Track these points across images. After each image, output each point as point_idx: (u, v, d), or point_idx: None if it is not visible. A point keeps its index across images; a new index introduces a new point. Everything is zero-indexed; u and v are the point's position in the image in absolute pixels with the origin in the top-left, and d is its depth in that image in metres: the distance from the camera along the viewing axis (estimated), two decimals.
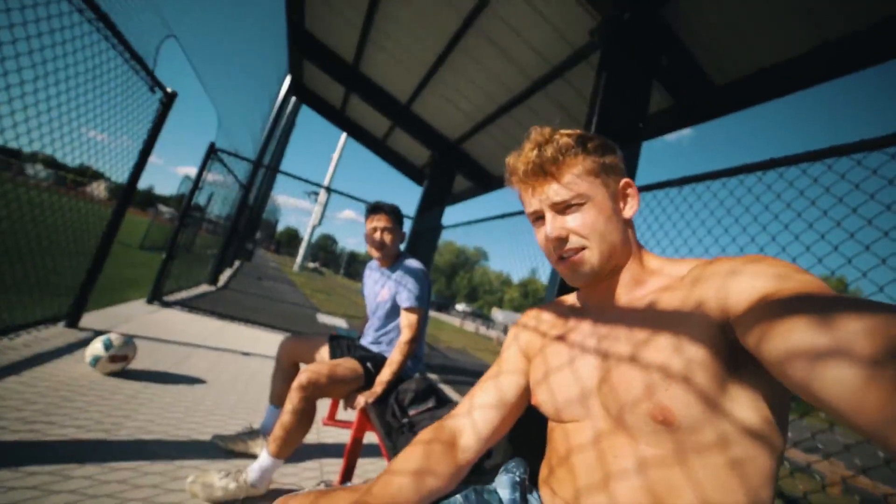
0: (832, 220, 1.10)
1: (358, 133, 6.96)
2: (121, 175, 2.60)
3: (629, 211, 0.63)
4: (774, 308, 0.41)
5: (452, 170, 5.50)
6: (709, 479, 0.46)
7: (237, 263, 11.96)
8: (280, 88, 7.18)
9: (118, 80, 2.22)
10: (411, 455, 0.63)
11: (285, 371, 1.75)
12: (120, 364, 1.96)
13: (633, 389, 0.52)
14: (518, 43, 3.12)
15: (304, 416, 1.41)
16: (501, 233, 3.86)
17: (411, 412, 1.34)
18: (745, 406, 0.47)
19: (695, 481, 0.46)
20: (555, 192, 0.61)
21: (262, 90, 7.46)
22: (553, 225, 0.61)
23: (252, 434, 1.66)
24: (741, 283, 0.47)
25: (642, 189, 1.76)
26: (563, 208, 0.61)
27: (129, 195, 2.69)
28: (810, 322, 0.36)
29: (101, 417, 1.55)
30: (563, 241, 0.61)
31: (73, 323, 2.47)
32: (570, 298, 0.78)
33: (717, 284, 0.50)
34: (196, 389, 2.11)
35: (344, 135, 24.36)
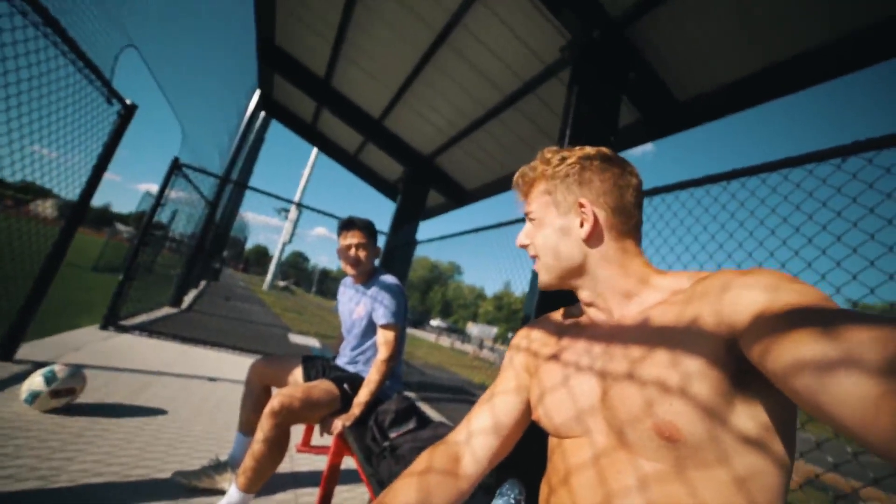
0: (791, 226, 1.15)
1: (329, 148, 6.88)
2: (72, 192, 2.42)
3: (584, 231, 0.62)
4: (775, 320, 0.40)
5: (426, 184, 5.51)
6: (714, 496, 0.45)
7: (203, 284, 11.40)
8: (249, 103, 7.03)
9: (69, 91, 2.08)
10: (406, 488, 0.60)
11: (256, 396, 1.64)
12: (64, 399, 1.75)
13: (635, 405, 0.51)
14: (490, 59, 3.19)
15: (277, 445, 1.31)
16: (475, 247, 3.88)
17: (392, 434, 1.27)
18: (751, 421, 0.45)
19: (700, 498, 0.45)
20: (525, 206, 0.71)
21: (229, 104, 7.28)
22: (520, 233, 0.71)
23: (219, 467, 1.53)
24: (739, 297, 0.46)
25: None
26: (530, 220, 0.69)
27: (80, 213, 2.50)
28: (814, 333, 0.35)
29: (37, 463, 1.35)
30: (525, 246, 0.70)
31: (6, 355, 2.18)
32: (561, 313, 0.77)
33: (713, 298, 0.49)
34: (156, 421, 1.93)
35: (315, 150, 24.11)
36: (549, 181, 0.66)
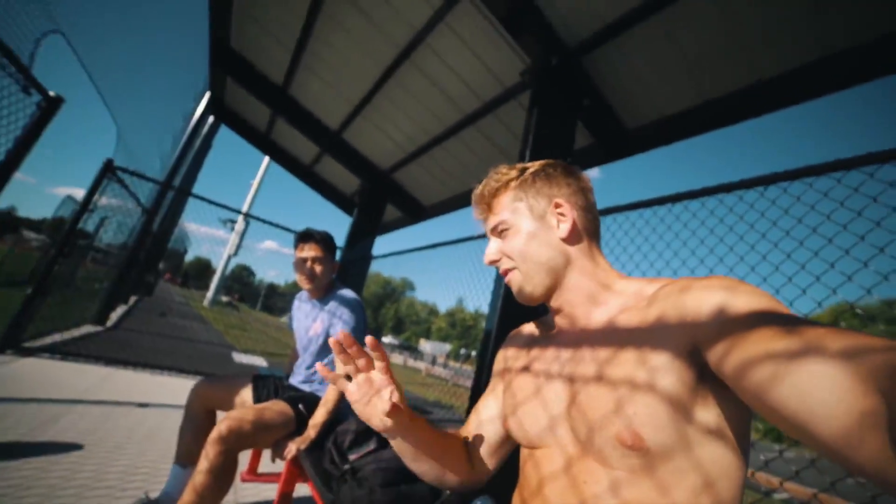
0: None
1: (283, 158, 6.62)
2: None
3: (563, 230, 0.63)
4: (734, 324, 0.42)
5: (383, 199, 5.46)
6: (683, 501, 0.45)
7: (134, 299, 10.34)
8: (197, 106, 6.62)
9: None
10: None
11: (198, 422, 1.48)
12: None
13: (599, 414, 0.52)
14: (452, 78, 3.27)
15: (224, 474, 1.19)
16: (428, 263, 3.90)
17: (352, 456, 1.20)
18: (713, 426, 0.47)
19: (670, 503, 0.46)
20: (490, 220, 0.69)
21: (175, 106, 6.81)
22: (488, 249, 0.68)
23: None
24: (699, 305, 0.47)
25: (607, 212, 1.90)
26: (499, 233, 0.67)
27: None
28: (771, 334, 0.37)
29: None
30: (496, 261, 0.67)
31: None
32: (531, 326, 0.78)
33: (674, 308, 0.50)
34: (68, 459, 1.66)
35: (266, 159, 23.13)
36: (516, 190, 0.66)
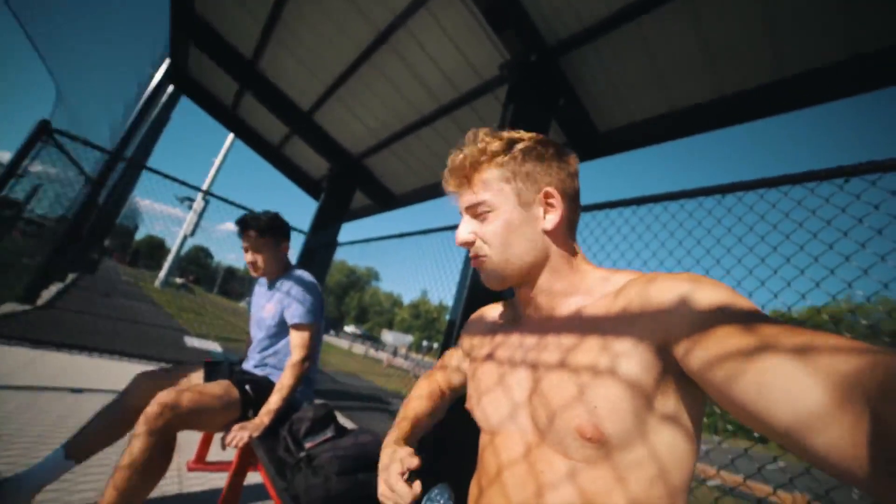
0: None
1: (249, 136, 6.30)
2: None
3: (549, 222, 0.59)
4: (701, 320, 0.42)
5: (352, 185, 5.34)
6: (638, 490, 0.46)
7: (72, 277, 9.53)
8: (155, 73, 6.15)
9: None
10: (422, 384, 0.89)
11: (124, 415, 1.28)
12: None
13: (560, 404, 0.52)
14: (430, 66, 3.22)
15: (157, 459, 1.09)
16: (395, 253, 3.85)
17: (307, 444, 1.16)
18: (671, 419, 0.47)
19: (625, 493, 0.47)
20: (467, 196, 0.61)
21: (128, 70, 6.27)
22: (461, 229, 0.62)
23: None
24: (665, 301, 0.47)
25: (590, 208, 1.92)
26: (476, 213, 0.61)
27: None
28: (737, 328, 0.38)
29: None
30: (470, 244, 0.61)
31: None
32: (498, 308, 0.77)
33: (641, 302, 0.50)
34: None
35: (231, 136, 21.95)
36: (503, 168, 0.59)
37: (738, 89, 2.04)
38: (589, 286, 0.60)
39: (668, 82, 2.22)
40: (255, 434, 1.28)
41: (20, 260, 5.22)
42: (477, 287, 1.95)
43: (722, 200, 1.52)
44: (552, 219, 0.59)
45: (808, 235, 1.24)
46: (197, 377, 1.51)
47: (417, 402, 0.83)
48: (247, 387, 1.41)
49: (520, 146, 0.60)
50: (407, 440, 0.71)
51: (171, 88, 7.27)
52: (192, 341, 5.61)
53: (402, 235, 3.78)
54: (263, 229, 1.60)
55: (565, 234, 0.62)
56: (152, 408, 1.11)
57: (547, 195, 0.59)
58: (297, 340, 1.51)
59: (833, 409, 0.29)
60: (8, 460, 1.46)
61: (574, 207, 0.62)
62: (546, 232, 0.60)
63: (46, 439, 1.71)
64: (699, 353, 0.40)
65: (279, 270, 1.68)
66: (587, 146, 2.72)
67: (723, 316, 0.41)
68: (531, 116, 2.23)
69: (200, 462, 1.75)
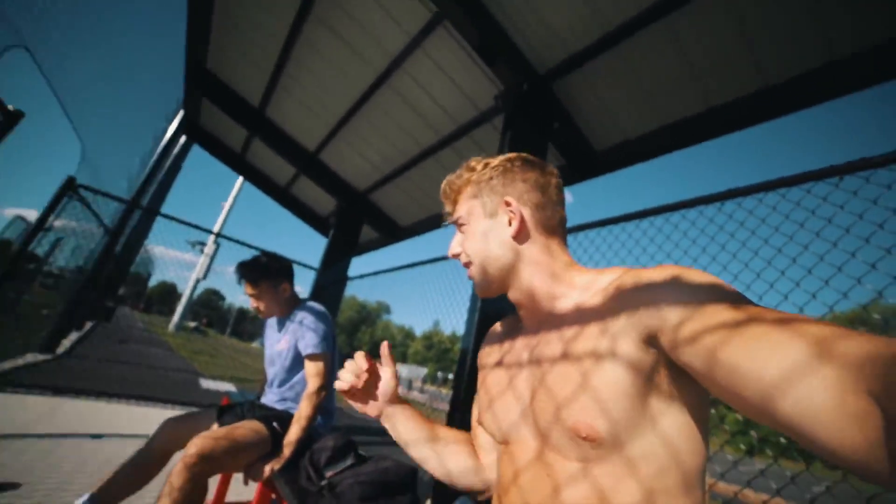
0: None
1: (258, 179, 6.54)
2: None
3: (512, 228, 0.64)
4: (686, 311, 0.43)
5: (359, 220, 5.45)
6: (639, 490, 0.46)
7: (89, 325, 9.68)
8: (168, 125, 6.50)
9: None
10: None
11: (150, 461, 1.35)
12: None
13: (555, 407, 0.53)
14: (428, 102, 3.38)
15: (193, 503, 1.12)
16: (404, 284, 3.88)
17: (329, 473, 1.16)
18: (669, 416, 0.48)
19: (639, 485, 0.46)
20: (454, 214, 0.72)
21: (145, 125, 6.65)
22: (451, 242, 0.71)
23: None
24: (654, 294, 0.48)
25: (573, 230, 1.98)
26: (459, 227, 0.70)
27: None
28: (728, 318, 0.39)
29: None
30: (457, 255, 0.70)
31: None
32: (507, 321, 0.79)
33: (629, 297, 0.51)
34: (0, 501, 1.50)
35: (240, 180, 22.66)
36: (474, 185, 0.68)
37: (724, 101, 2.12)
38: (575, 288, 0.62)
39: (657, 100, 2.31)
40: (277, 467, 1.28)
41: (40, 312, 5.36)
42: (487, 312, 1.97)
43: (722, 207, 1.56)
44: (514, 225, 0.64)
45: (811, 235, 1.26)
46: (212, 425, 1.53)
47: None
48: (274, 423, 1.43)
49: (491, 165, 0.69)
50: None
51: (183, 139, 7.65)
52: (207, 383, 5.61)
53: (411, 266, 3.83)
54: (257, 278, 1.62)
55: (539, 240, 0.65)
56: (189, 458, 1.14)
57: (507, 203, 0.65)
58: (311, 370, 1.53)
59: (811, 364, 0.30)
60: None
61: (546, 214, 0.66)
62: (514, 237, 0.64)
63: (67, 486, 1.72)
64: (686, 342, 0.41)
65: (286, 309, 1.70)
66: (585, 166, 2.79)
67: (709, 297, 0.42)
68: (528, 142, 2.32)
69: (220, 502, 1.73)
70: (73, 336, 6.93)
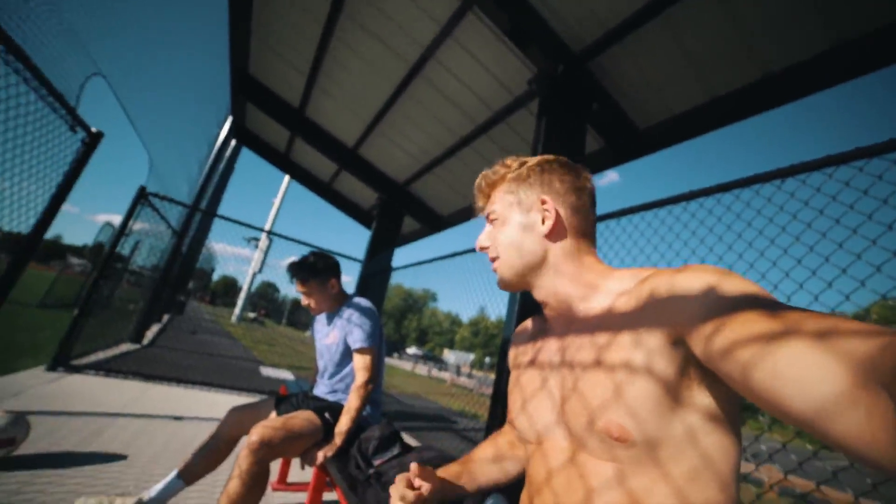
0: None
1: (302, 176, 6.86)
2: (21, 224, 2.22)
3: (545, 227, 0.64)
4: (720, 312, 0.42)
5: (401, 211, 5.55)
6: (671, 490, 0.46)
7: (167, 318, 10.78)
8: (220, 131, 6.95)
9: (29, 119, 1.99)
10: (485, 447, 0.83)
11: (217, 446, 1.52)
12: (2, 451, 1.57)
13: (586, 408, 0.53)
14: (462, 90, 3.34)
15: (257, 484, 1.25)
16: (449, 273, 3.91)
17: (376, 462, 1.23)
18: (699, 416, 0.47)
19: (672, 487, 0.46)
20: (486, 208, 0.73)
21: (200, 133, 7.17)
22: (481, 235, 0.72)
23: None
24: (682, 293, 0.47)
25: (605, 217, 1.92)
26: (490, 221, 0.71)
27: (32, 247, 2.33)
28: (759, 320, 0.37)
29: None
30: (485, 248, 0.71)
31: None
32: (537, 318, 0.79)
33: (657, 298, 0.50)
34: (112, 468, 1.77)
35: (287, 178, 23.80)
36: (511, 182, 0.69)
37: (785, 65, 1.90)
38: (605, 289, 0.61)
39: (705, 71, 2.12)
40: (330, 454, 1.38)
41: (127, 306, 6.04)
42: (526, 305, 1.96)
43: (721, 199, 1.48)
44: (548, 223, 0.64)
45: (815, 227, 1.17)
46: (272, 415, 1.66)
47: (478, 450, 0.84)
48: (326, 414, 1.53)
49: (528, 164, 0.70)
50: (448, 476, 0.76)
51: (233, 142, 8.15)
52: (266, 371, 6.07)
53: (452, 256, 3.86)
54: (306, 277, 1.72)
55: (570, 242, 0.65)
56: (252, 445, 1.27)
57: (543, 201, 0.66)
58: (360, 364, 1.61)
59: (851, 392, 0.29)
60: (134, 475, 1.75)
61: (579, 217, 0.66)
62: (546, 236, 0.65)
63: (158, 459, 1.98)
64: (717, 344, 0.40)
65: (335, 304, 1.79)
66: (627, 147, 2.64)
67: (741, 306, 0.40)
68: (565, 125, 2.23)
69: (282, 483, 1.90)
70: (155, 328, 7.77)
